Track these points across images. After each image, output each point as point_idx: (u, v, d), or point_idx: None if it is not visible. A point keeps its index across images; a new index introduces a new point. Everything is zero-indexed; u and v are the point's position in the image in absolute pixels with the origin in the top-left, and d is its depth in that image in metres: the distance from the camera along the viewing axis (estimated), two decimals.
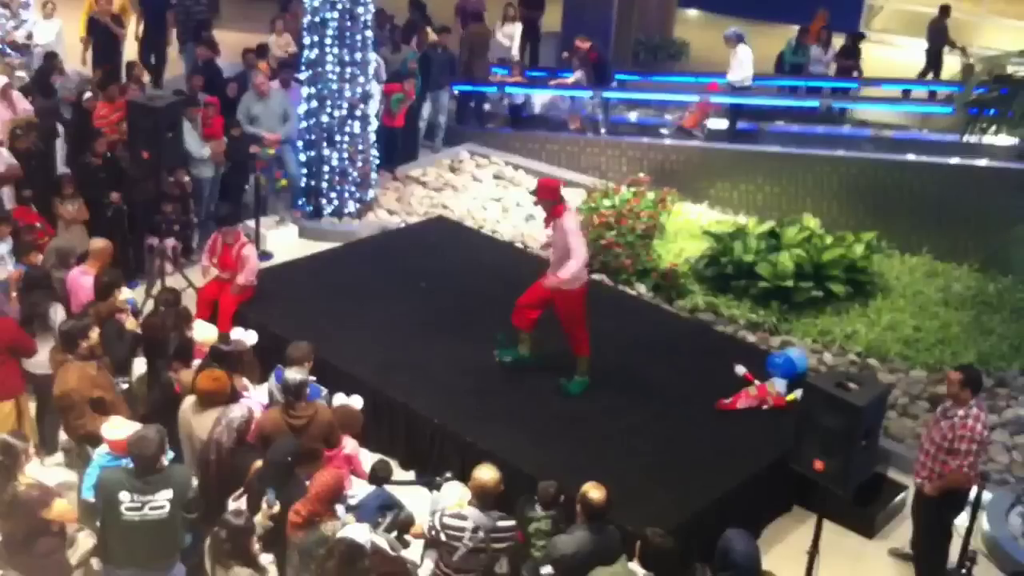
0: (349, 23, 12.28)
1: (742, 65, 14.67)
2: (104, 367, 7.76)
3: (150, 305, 9.06)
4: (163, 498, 6.31)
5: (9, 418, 8.02)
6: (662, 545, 6.11)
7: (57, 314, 8.50)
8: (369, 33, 12.58)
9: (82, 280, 8.89)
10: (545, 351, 9.42)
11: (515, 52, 17.06)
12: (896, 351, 10.90)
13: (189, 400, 7.39)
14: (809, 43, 16.40)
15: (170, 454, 6.94)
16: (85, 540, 6.69)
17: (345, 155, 12.76)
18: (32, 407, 8.54)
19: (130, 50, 15.75)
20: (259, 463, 6.84)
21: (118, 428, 6.85)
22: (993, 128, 10.97)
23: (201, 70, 14.02)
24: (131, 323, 8.56)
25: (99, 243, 9.26)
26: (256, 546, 6.41)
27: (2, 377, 8.03)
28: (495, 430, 8.56)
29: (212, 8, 18.53)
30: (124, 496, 6.25)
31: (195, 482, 6.94)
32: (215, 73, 14.05)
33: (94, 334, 7.63)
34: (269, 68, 14.06)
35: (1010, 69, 10.95)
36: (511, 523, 6.66)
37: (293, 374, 7.33)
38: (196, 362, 7.95)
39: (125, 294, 8.67)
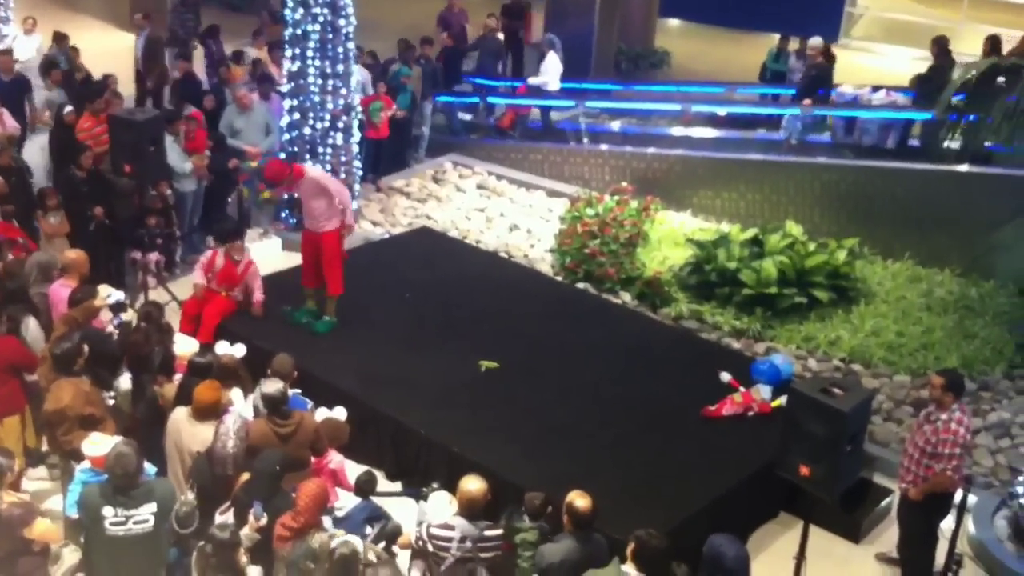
0: (331, 35, 12.27)
1: (546, 71, 15.77)
2: (94, 382, 7.75)
3: (133, 319, 9.03)
4: (147, 512, 6.27)
5: (14, 433, 8.01)
6: (657, 546, 6.11)
7: (28, 328, 8.46)
8: (351, 45, 12.58)
9: (63, 293, 8.86)
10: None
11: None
12: (880, 356, 10.94)
13: (181, 412, 7.37)
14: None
15: (152, 469, 6.92)
16: (70, 556, 6.65)
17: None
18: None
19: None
20: (245, 475, 6.83)
21: (98, 444, 6.82)
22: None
23: (180, 84, 14.02)
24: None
25: (72, 255, 9.23)
26: (243, 559, 6.40)
27: (6, 395, 8.03)
28: (481, 440, 8.56)
29: (195, 21, 18.57)
30: (108, 511, 6.21)
31: (190, 496, 6.91)
32: (195, 87, 14.03)
33: (85, 350, 7.63)
34: (247, 75, 14.07)
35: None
36: (498, 532, 6.66)
37: (270, 386, 7.33)
38: (178, 376, 7.94)
39: (107, 291, 8.65)
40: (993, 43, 14.16)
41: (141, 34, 15.56)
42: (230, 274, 10.03)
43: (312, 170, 10.15)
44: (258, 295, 10.13)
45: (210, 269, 10.09)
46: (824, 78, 14.80)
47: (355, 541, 6.36)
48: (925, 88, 14.21)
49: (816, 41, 15.05)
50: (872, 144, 14.38)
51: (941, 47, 14.41)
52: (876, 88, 15.07)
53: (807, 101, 14.61)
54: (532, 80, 16.02)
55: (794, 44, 17.22)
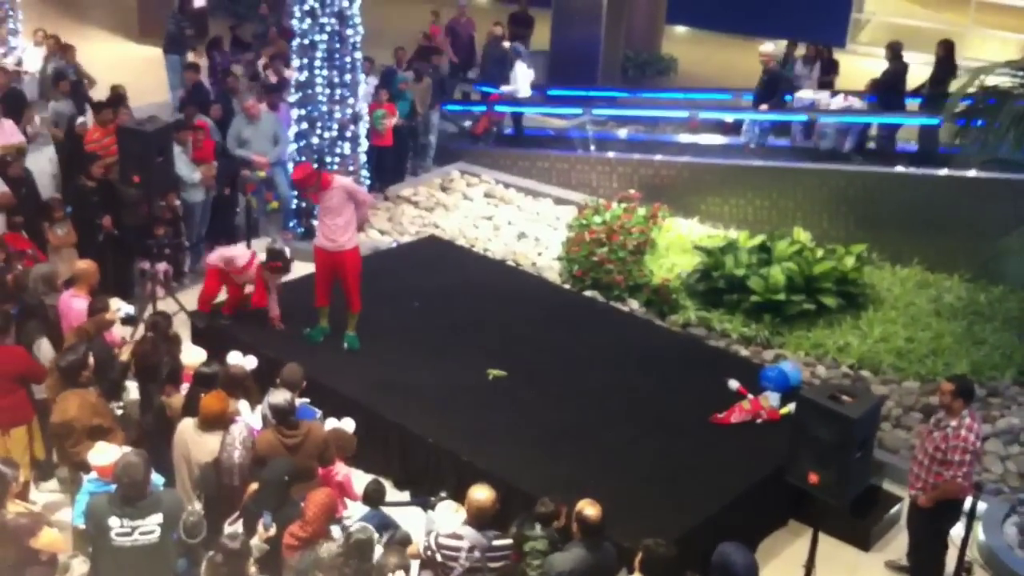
0: (338, 45, 12.31)
1: (515, 80, 15.91)
2: (100, 393, 7.76)
3: (141, 330, 9.06)
4: (153, 522, 6.27)
5: (21, 443, 8.01)
6: (664, 555, 6.09)
7: (41, 349, 8.46)
8: (359, 55, 12.62)
9: (73, 303, 8.87)
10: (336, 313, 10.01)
11: None
12: (889, 362, 10.91)
13: (187, 423, 7.38)
14: None
15: (160, 479, 6.92)
16: (79, 566, 6.65)
17: None
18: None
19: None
20: (254, 485, 6.84)
21: (104, 454, 6.83)
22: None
23: (191, 94, 14.06)
24: (125, 354, 8.57)
25: (84, 264, 9.25)
26: (252, 569, 6.40)
27: (14, 405, 8.02)
28: (490, 448, 8.55)
29: (200, 30, 18.61)
30: (114, 521, 6.22)
31: (198, 506, 6.91)
32: (203, 95, 14.09)
33: (91, 360, 7.65)
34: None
35: (996, 80, 11.00)
36: (507, 542, 6.66)
37: (278, 396, 7.34)
38: (185, 386, 7.96)
39: (117, 304, 8.68)
40: (946, 47, 14.59)
41: (53, 59, 15.08)
42: (260, 292, 10.08)
43: (340, 179, 10.06)
44: (276, 311, 10.12)
45: (247, 268, 10.04)
46: (778, 83, 15.03)
47: (372, 530, 6.38)
48: (881, 92, 14.67)
49: (767, 47, 15.20)
50: (830, 148, 14.67)
51: (895, 52, 14.72)
52: (835, 93, 15.45)
53: (763, 106, 14.84)
54: (504, 88, 16.10)
55: (801, 50, 17.24)
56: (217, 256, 10.19)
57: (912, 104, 14.91)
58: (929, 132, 14.49)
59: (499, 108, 16.09)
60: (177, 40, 16.71)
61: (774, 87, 14.92)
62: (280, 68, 14.81)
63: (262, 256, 10.04)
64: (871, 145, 14.74)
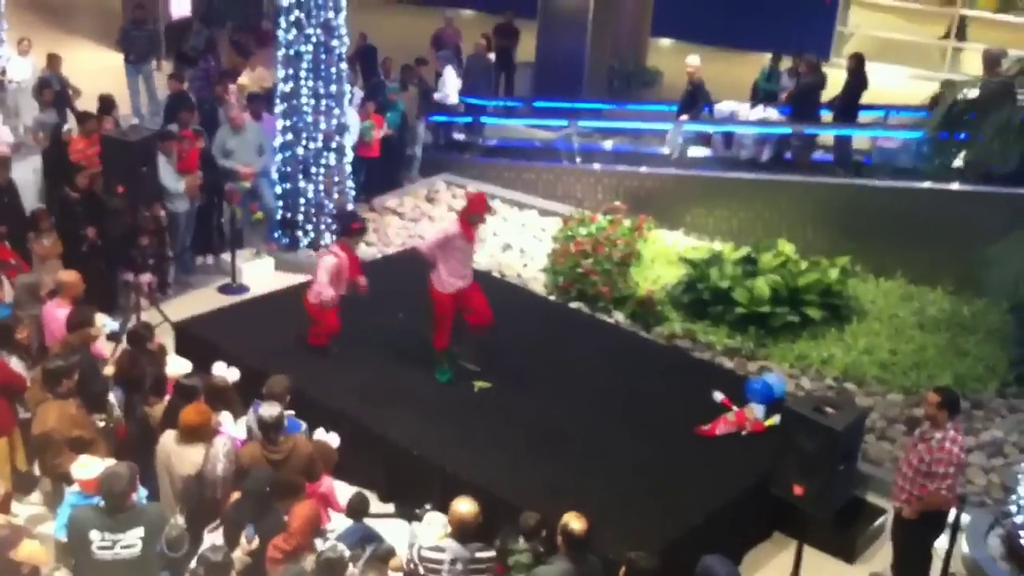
0: (324, 56, 12.31)
1: (444, 86, 16.06)
2: (81, 404, 7.71)
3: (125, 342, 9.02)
4: (134, 536, 6.23)
5: (2, 454, 7.95)
6: (648, 568, 6.09)
7: (11, 364, 8.40)
8: (344, 65, 12.61)
9: (57, 313, 8.83)
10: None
11: None
12: (873, 374, 10.94)
13: (169, 436, 7.34)
14: None
15: (143, 491, 6.88)
16: None
17: (321, 187, 12.77)
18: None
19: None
20: (236, 494, 6.81)
21: (88, 467, 6.80)
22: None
23: (173, 103, 14.01)
24: (109, 369, 8.53)
25: (68, 275, 9.19)
26: None
27: None
28: (475, 460, 8.53)
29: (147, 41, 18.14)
30: (95, 535, 6.18)
31: (180, 519, 6.87)
32: (186, 105, 14.04)
33: (75, 374, 7.60)
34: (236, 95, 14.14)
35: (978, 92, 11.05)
36: (490, 554, 6.64)
37: (267, 409, 7.30)
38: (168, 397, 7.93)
39: (102, 320, 8.64)
40: (857, 60, 14.83)
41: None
42: (355, 262, 10.13)
43: None
44: (363, 279, 10.15)
45: (340, 275, 9.86)
46: (700, 95, 15.28)
47: (344, 549, 6.35)
48: (796, 103, 15.08)
49: (693, 60, 15.42)
50: (749, 157, 15.06)
51: (811, 66, 15.08)
52: (753, 104, 15.87)
53: (683, 117, 15.17)
54: (436, 95, 16.11)
55: (786, 63, 17.29)
56: (314, 297, 9.82)
57: (826, 116, 15.14)
58: (842, 141, 14.87)
59: (433, 118, 16.05)
60: (129, 50, 16.65)
61: (695, 99, 15.24)
62: (227, 84, 14.74)
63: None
64: (787, 155, 15.00)
